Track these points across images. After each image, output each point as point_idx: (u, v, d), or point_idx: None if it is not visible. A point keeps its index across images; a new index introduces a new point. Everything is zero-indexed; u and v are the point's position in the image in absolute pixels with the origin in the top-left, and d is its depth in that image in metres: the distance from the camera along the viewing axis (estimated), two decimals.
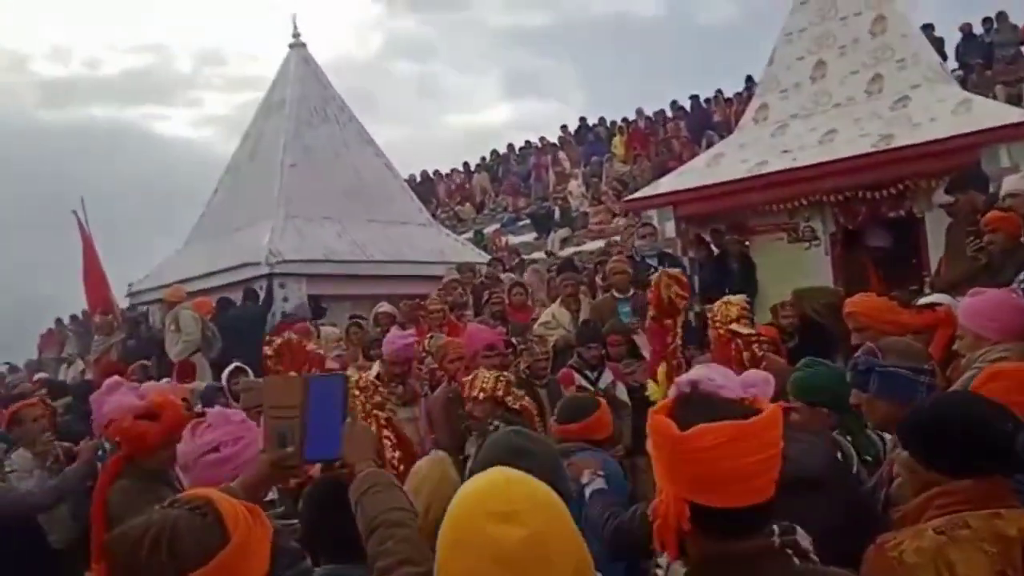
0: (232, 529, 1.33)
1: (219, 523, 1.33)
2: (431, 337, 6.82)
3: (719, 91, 18.35)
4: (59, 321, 16.75)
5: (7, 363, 14.38)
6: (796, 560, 1.57)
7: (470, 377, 4.71)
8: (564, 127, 21.22)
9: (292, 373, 4.73)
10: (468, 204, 19.90)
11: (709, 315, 5.00)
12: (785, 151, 8.57)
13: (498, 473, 1.34)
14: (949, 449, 1.96)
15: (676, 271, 5.81)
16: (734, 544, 1.48)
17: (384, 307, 8.61)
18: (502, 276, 10.22)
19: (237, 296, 10.74)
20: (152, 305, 12.53)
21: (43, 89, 54.59)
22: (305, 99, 13.43)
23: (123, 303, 12.91)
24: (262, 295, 10.70)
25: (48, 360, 14.68)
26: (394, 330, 6.55)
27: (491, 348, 5.30)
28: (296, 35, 13.92)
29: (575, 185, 17.39)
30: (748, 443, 1.45)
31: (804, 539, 1.63)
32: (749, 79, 16.42)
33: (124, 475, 3.20)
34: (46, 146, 40.67)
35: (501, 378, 4.62)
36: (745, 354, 4.51)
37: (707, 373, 1.67)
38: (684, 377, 1.63)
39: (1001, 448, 1.90)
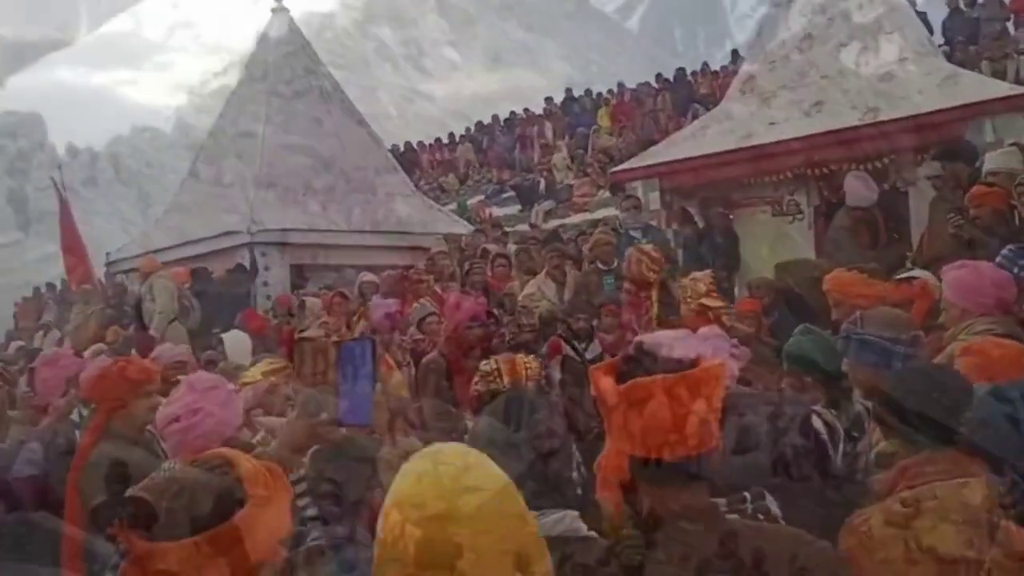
0: (251, 489, 1.36)
1: (239, 483, 1.37)
2: (418, 305, 6.75)
3: (705, 64, 18.29)
4: (36, 289, 16.55)
5: None
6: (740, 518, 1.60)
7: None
8: (549, 99, 21.05)
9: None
10: (452, 175, 19.75)
11: (680, 292, 5.19)
12: (772, 123, 8.54)
13: (425, 462, 1.29)
14: (903, 420, 1.99)
15: (648, 246, 6.14)
16: (673, 496, 1.51)
17: (367, 276, 8.55)
18: (480, 247, 10.09)
19: (216, 266, 10.65)
20: (130, 274, 12.41)
21: (11, 52, 53.28)
22: (287, 66, 13.22)
23: (100, 272, 12.76)
24: (248, 267, 10.64)
25: (26, 328, 14.51)
26: (376, 299, 6.49)
27: (474, 319, 5.27)
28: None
29: (560, 157, 17.28)
30: (678, 397, 1.48)
31: (773, 504, 1.69)
32: (735, 52, 16.36)
33: (105, 437, 3.16)
34: (14, 111, 39.87)
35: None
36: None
37: (659, 335, 1.68)
38: (636, 339, 1.66)
39: (944, 420, 1.91)
